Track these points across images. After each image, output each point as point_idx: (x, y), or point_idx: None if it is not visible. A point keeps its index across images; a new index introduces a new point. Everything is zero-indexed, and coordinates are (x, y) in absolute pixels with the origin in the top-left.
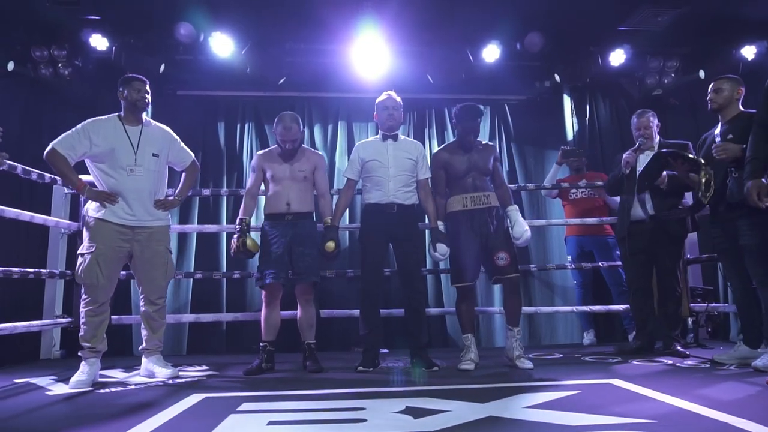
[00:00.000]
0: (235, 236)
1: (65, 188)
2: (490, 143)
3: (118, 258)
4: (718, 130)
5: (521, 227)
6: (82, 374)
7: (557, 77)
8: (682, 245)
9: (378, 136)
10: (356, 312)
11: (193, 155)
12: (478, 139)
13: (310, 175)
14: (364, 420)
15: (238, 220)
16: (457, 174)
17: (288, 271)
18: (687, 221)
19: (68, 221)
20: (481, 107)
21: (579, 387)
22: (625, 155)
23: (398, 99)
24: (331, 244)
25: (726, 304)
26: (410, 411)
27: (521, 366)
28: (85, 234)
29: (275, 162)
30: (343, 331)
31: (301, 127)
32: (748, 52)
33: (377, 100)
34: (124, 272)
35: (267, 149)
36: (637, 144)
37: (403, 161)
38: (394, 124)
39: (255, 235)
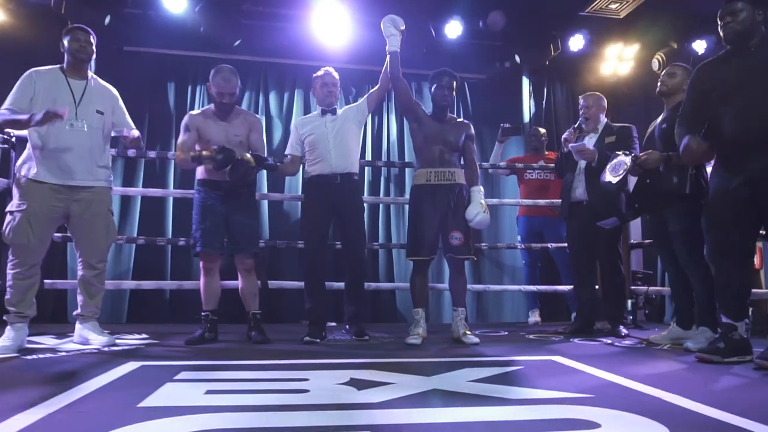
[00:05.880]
0: (215, 153)
1: None
2: (466, 121)
3: (52, 218)
4: (659, 119)
5: (475, 208)
6: (6, 340)
7: (517, 58)
8: (618, 229)
9: (317, 112)
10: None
11: (134, 127)
12: (453, 115)
13: (246, 140)
14: (306, 390)
15: (195, 154)
16: (427, 137)
17: (223, 240)
18: (621, 209)
19: None
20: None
21: (522, 363)
22: (564, 134)
23: (336, 75)
24: (248, 156)
25: (663, 288)
26: (354, 383)
27: (467, 341)
28: (15, 191)
29: (210, 122)
30: (294, 304)
31: (239, 83)
32: (699, 46)
33: (315, 75)
34: (59, 234)
35: (200, 110)
36: (578, 123)
37: (344, 131)
38: (334, 100)
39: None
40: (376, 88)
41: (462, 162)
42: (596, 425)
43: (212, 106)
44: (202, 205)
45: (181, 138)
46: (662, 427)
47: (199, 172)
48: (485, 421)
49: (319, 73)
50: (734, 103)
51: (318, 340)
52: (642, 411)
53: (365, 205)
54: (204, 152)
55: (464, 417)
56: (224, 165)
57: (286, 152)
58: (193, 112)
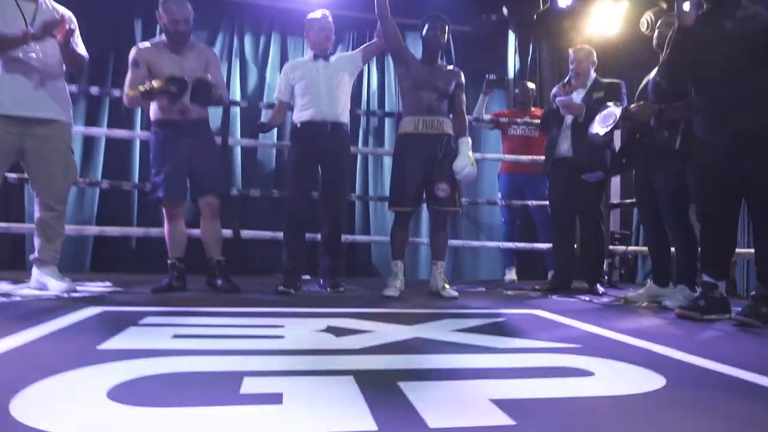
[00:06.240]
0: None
1: None
2: (456, 68)
3: (3, 153)
4: (653, 72)
5: (463, 161)
6: None
7: (505, 11)
8: (601, 188)
9: (309, 56)
10: (281, 234)
11: (86, 54)
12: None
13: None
14: (281, 336)
15: (146, 88)
16: (415, 80)
17: (185, 183)
18: (606, 164)
19: None
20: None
21: (503, 315)
22: (553, 90)
23: (331, 19)
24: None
25: (640, 248)
26: (332, 330)
27: (446, 295)
28: None
29: (162, 56)
30: (267, 255)
31: (193, 12)
32: (687, 7)
33: (309, 16)
34: (15, 175)
35: (149, 42)
36: (567, 78)
37: (336, 79)
38: (329, 46)
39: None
40: (373, 41)
41: (449, 112)
42: (589, 373)
43: (163, 37)
44: (161, 147)
45: (129, 75)
46: (658, 375)
47: (153, 111)
48: (473, 368)
49: (316, 15)
50: (715, 63)
51: (292, 291)
52: (633, 360)
53: None
54: (155, 83)
55: (451, 364)
56: (180, 97)
57: (274, 97)
58: (142, 45)
